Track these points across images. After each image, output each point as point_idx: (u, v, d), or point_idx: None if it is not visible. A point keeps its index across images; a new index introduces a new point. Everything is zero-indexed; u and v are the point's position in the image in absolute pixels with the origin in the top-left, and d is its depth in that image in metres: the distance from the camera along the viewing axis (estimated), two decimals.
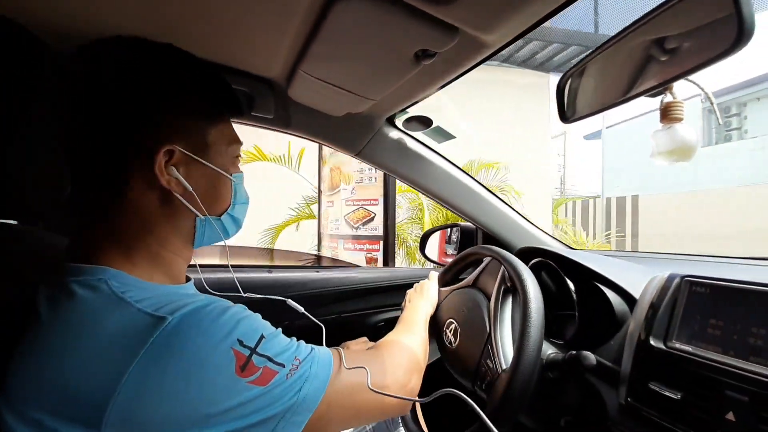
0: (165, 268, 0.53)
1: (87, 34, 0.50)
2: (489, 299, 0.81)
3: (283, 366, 0.46)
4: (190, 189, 0.52)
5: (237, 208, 0.60)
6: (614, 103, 0.58)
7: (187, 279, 0.60)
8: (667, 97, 0.58)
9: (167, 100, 0.50)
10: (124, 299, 0.43)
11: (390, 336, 0.75)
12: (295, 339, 0.52)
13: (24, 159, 0.50)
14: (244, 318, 0.47)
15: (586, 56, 0.61)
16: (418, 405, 0.96)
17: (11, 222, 0.62)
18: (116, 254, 0.49)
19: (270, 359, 0.45)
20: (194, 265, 0.70)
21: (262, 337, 0.46)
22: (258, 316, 0.50)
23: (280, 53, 0.75)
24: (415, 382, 0.66)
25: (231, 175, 0.57)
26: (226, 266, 1.14)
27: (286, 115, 0.96)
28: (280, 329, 0.51)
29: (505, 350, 0.71)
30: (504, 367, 0.68)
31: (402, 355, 0.67)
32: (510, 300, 0.78)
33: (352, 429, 0.89)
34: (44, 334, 0.43)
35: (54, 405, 0.39)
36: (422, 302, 0.92)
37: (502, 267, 0.78)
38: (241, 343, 0.44)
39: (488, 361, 0.72)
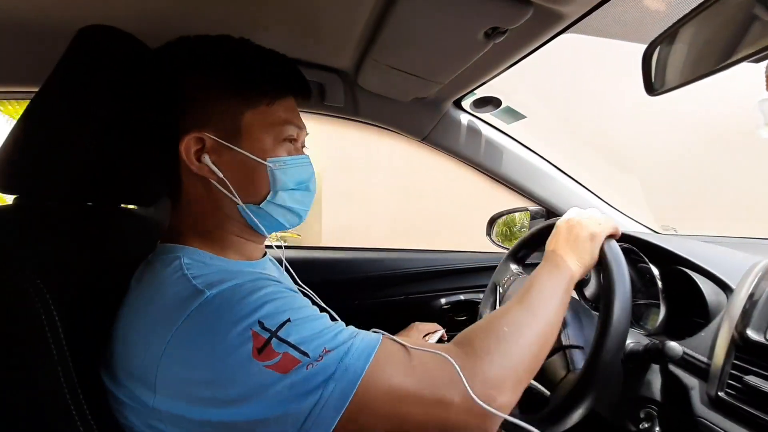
0: (234, 247, 0.56)
1: (177, 35, 0.56)
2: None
3: (307, 355, 0.41)
4: (220, 175, 0.51)
5: (281, 196, 0.54)
6: (711, 71, 0.52)
7: (264, 254, 0.63)
8: None
9: (199, 87, 0.51)
10: (185, 273, 0.46)
11: (491, 317, 0.53)
12: (341, 324, 0.47)
13: (139, 154, 0.59)
14: (275, 299, 0.44)
15: (677, 20, 0.55)
16: None
17: (132, 207, 0.73)
18: (190, 234, 0.54)
19: (292, 345, 0.41)
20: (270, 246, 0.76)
21: (287, 320, 0.42)
22: (298, 298, 0.48)
23: (349, 43, 0.78)
24: (509, 397, 0.45)
25: (266, 160, 0.52)
26: (309, 247, 1.22)
27: (355, 103, 0.99)
28: (322, 315, 0.47)
29: (576, 350, 0.65)
30: (572, 367, 0.63)
31: (494, 354, 0.47)
32: (590, 318, 0.68)
33: None
34: (127, 303, 0.48)
35: (127, 366, 0.44)
36: (575, 257, 0.63)
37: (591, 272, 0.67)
38: (261, 324, 0.41)
39: (556, 356, 0.68)
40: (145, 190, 0.66)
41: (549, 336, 0.54)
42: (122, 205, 0.67)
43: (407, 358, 0.45)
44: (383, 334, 0.48)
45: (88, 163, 0.54)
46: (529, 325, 0.52)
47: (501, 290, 0.89)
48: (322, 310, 0.50)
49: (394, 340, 0.47)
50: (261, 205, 0.54)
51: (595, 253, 0.65)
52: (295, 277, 0.69)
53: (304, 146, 0.60)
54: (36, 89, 0.53)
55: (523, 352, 0.49)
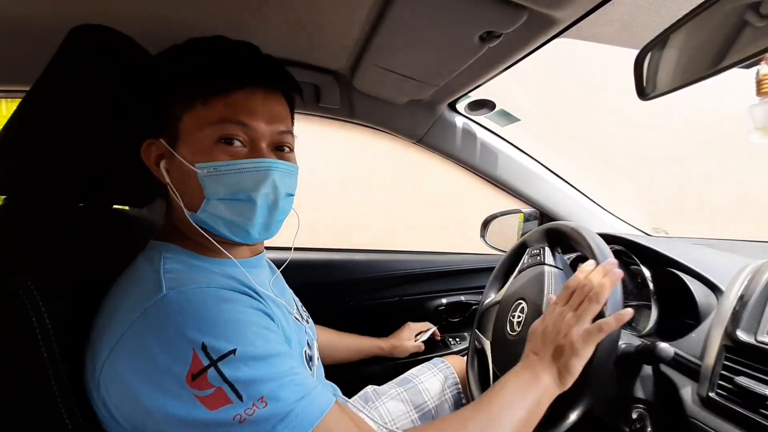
0: (215, 246, 0.51)
1: (179, 38, 0.56)
2: None
3: (241, 399, 0.38)
4: (167, 180, 0.50)
5: (215, 205, 0.48)
6: (701, 76, 0.53)
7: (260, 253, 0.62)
8: (764, 69, 0.52)
9: (156, 92, 0.51)
10: (159, 269, 0.45)
11: (454, 420, 0.50)
12: (299, 376, 0.43)
13: (133, 154, 0.58)
14: (230, 322, 0.41)
15: (669, 26, 0.56)
16: None
17: (124, 208, 0.72)
18: (174, 232, 0.54)
19: (229, 382, 0.38)
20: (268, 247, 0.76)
21: (232, 351, 0.39)
22: (254, 325, 0.43)
23: (346, 46, 0.78)
24: None
25: (194, 165, 0.47)
26: (304, 249, 1.22)
27: (351, 105, 0.99)
28: (278, 354, 0.43)
29: None
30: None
31: None
32: None
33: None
34: (106, 299, 0.48)
35: (95, 362, 0.43)
36: (543, 378, 0.54)
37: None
38: (204, 348, 0.38)
39: None
40: (138, 191, 0.65)
41: None
42: (114, 207, 0.67)
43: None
44: (336, 402, 0.44)
45: (80, 163, 0.53)
46: None
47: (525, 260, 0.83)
48: (316, 315, 0.49)
49: (348, 411, 0.44)
50: (198, 214, 0.49)
51: (576, 370, 0.54)
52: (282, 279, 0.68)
53: (283, 147, 0.53)
54: (27, 88, 0.52)
55: None
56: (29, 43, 0.69)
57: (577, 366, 0.53)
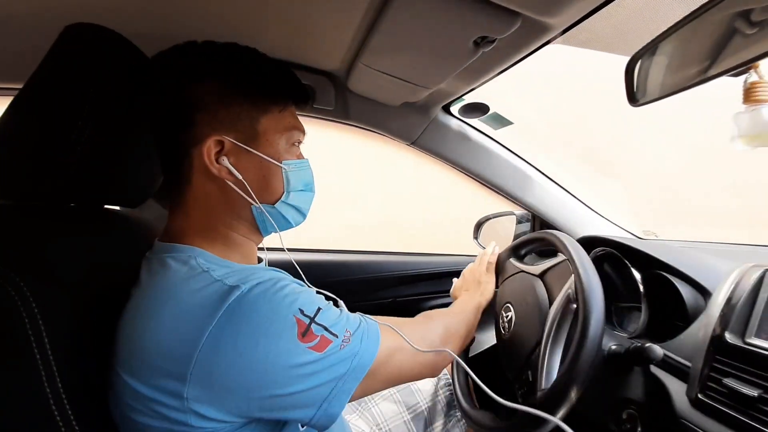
0: (238, 249, 0.58)
1: (175, 38, 0.55)
2: (551, 305, 0.73)
3: (337, 336, 0.49)
4: (240, 177, 0.54)
5: (293, 196, 0.59)
6: (691, 84, 0.54)
7: (260, 260, 0.65)
8: (752, 77, 0.53)
9: (215, 92, 0.53)
10: (208, 272, 0.48)
11: (435, 311, 0.80)
12: (344, 311, 0.55)
13: (125, 154, 0.58)
14: (304, 291, 0.51)
15: (660, 34, 0.57)
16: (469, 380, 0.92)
17: (115, 207, 0.71)
18: (197, 236, 0.55)
19: (326, 329, 0.49)
20: (261, 248, 0.76)
21: (319, 308, 0.50)
22: (312, 291, 0.54)
23: (341, 47, 0.79)
24: (451, 348, 0.68)
25: (281, 162, 0.57)
26: (299, 249, 1.21)
27: (345, 107, 1.00)
28: (330, 302, 0.54)
29: (550, 368, 0.66)
30: (543, 386, 0.64)
31: (438, 325, 0.71)
32: (570, 320, 0.69)
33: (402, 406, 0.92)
34: (142, 298, 0.49)
35: (151, 360, 0.45)
36: (474, 298, 0.87)
37: (572, 277, 0.69)
38: (302, 312, 0.47)
39: (530, 371, 0.69)
40: (131, 191, 0.65)
41: (468, 331, 0.78)
42: (106, 206, 0.66)
43: (397, 331, 0.60)
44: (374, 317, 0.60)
45: (72, 162, 0.53)
46: (459, 324, 0.76)
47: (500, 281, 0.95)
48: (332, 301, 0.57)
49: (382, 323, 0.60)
50: (275, 205, 0.58)
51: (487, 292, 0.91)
52: (303, 278, 0.70)
53: None
54: (19, 86, 0.51)
55: (457, 333, 0.73)
56: (21, 41, 0.68)
57: (490, 286, 0.92)
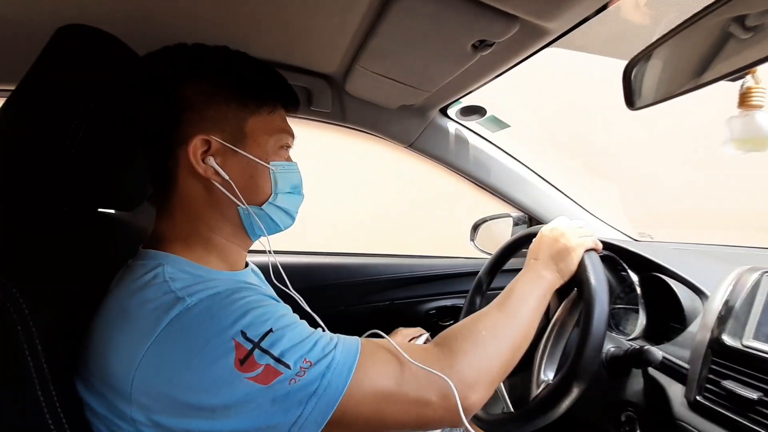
0: (220, 254, 0.55)
1: (170, 40, 0.55)
2: (557, 307, 0.71)
3: (289, 367, 0.41)
4: (226, 177, 0.52)
5: (280, 198, 0.57)
6: (687, 89, 0.54)
7: (247, 265, 0.63)
8: (749, 82, 0.54)
9: (202, 92, 0.52)
10: (166, 282, 0.45)
11: (470, 320, 0.56)
12: (320, 331, 0.47)
13: (118, 156, 0.57)
14: (257, 308, 0.44)
15: (657, 39, 0.57)
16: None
17: (110, 211, 0.70)
18: (176, 241, 0.53)
19: (274, 358, 0.41)
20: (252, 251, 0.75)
21: (269, 331, 0.42)
22: (279, 307, 0.47)
23: (339, 50, 0.78)
24: (481, 395, 0.49)
25: (269, 163, 0.55)
26: (292, 252, 1.21)
27: (343, 109, 0.99)
28: (301, 322, 0.47)
29: (545, 375, 0.66)
30: (534, 393, 0.64)
31: (471, 356, 0.50)
32: (571, 325, 0.69)
33: None
34: (104, 309, 0.47)
35: (102, 375, 0.42)
36: (544, 278, 0.65)
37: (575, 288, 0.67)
38: (244, 334, 0.41)
39: (524, 372, 0.69)
40: (124, 194, 0.64)
41: (524, 341, 0.57)
42: (99, 210, 0.65)
43: (388, 360, 0.47)
44: (363, 338, 0.49)
45: (65, 165, 0.52)
46: (506, 329, 0.56)
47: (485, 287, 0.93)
48: (310, 318, 0.50)
49: (375, 341, 0.49)
50: (262, 207, 0.56)
51: (574, 265, 0.66)
52: (287, 282, 0.68)
53: None
54: (12, 87, 0.51)
55: (498, 355, 0.52)
56: (14, 43, 0.67)
57: (575, 260, 0.66)
